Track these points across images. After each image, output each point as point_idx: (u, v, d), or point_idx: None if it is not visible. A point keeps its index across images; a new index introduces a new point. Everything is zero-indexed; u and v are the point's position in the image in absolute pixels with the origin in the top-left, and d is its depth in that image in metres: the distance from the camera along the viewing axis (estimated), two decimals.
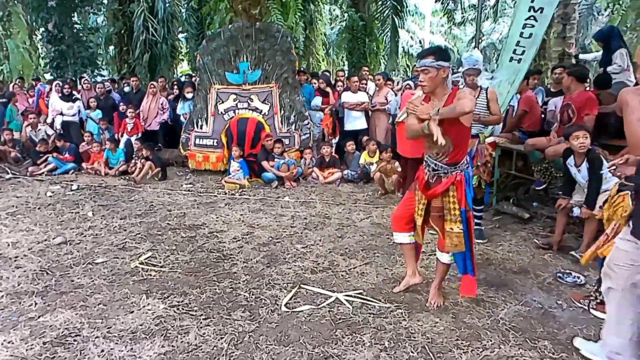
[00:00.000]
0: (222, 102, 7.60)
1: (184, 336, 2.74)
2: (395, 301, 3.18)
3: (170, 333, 2.77)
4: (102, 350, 2.60)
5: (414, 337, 2.74)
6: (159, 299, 3.20)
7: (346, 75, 8.98)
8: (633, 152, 2.50)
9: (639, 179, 2.31)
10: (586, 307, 3.07)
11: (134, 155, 7.72)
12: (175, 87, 9.06)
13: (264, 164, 6.82)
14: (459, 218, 2.90)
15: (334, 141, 7.70)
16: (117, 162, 7.52)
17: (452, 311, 3.05)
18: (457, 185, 2.88)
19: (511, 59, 4.61)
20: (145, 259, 3.91)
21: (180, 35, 15.25)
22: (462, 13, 17.74)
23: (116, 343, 2.67)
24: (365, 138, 7.25)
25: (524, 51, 4.54)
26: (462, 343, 2.68)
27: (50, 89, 9.12)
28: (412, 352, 2.59)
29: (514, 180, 5.55)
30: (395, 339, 2.71)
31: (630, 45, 7.58)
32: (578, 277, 3.53)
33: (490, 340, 2.71)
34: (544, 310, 3.07)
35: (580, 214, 3.88)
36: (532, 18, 4.43)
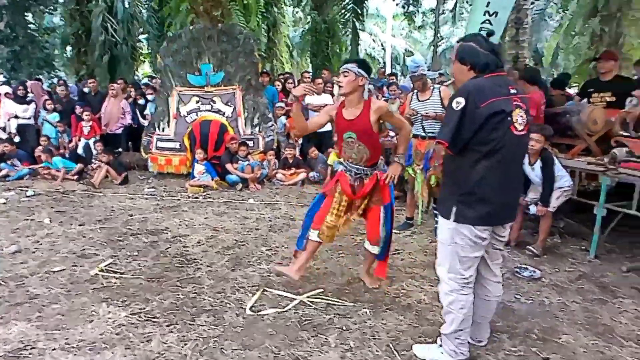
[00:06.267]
0: (184, 105, 7.48)
1: (146, 344, 2.67)
2: (360, 301, 3.22)
3: (131, 341, 2.70)
4: None
5: (379, 336, 2.77)
6: (120, 306, 3.11)
7: (311, 77, 8.99)
8: None
9: None
10: None
11: (93, 159, 7.49)
12: (133, 90, 8.85)
13: (228, 166, 6.76)
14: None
15: (300, 141, 7.70)
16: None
17: (415, 309, 3.11)
18: (381, 183, 3.19)
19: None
20: (105, 266, 3.80)
21: (141, 37, 14.89)
22: (422, 17, 18.12)
23: (74, 354, 2.58)
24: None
25: None
26: (425, 339, 2.73)
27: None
28: (377, 351, 2.62)
29: None
30: (361, 339, 2.74)
31: (578, 48, 7.98)
32: (534, 272, 3.68)
33: None
34: (502, 305, 3.16)
35: (536, 211, 4.04)
36: (487, 22, 4.58)
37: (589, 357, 2.59)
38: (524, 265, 3.80)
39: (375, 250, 3.33)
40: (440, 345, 2.52)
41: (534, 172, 3.99)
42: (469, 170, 2.25)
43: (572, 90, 7.97)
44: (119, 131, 8.26)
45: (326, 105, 7.50)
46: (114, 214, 5.37)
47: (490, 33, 2.43)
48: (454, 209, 2.31)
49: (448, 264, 2.39)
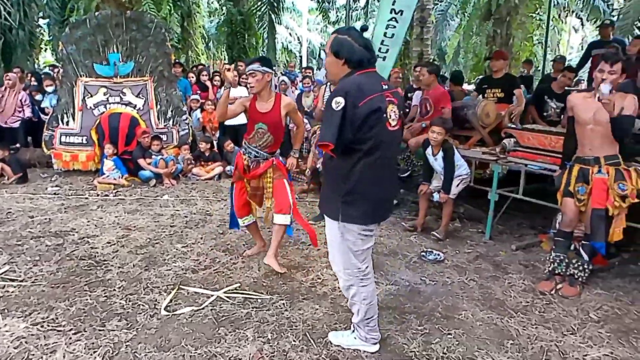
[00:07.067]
0: (91, 96, 7.01)
1: (49, 356, 2.52)
2: (277, 292, 3.27)
3: (33, 354, 2.53)
4: None
5: (296, 326, 2.84)
6: (18, 317, 2.89)
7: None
8: None
9: None
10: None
11: None
12: (33, 79, 8.12)
13: (141, 161, 6.47)
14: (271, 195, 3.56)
15: (217, 134, 7.58)
16: None
17: (330, 297, 3.23)
18: (277, 165, 3.56)
19: (377, 57, 4.96)
20: (1, 273, 3.50)
21: (41, 21, 13.61)
22: (336, 12, 18.53)
23: None
24: None
25: (388, 50, 4.92)
26: (340, 326, 2.84)
27: None
28: (293, 340, 2.69)
29: None
30: (278, 330, 2.79)
31: (476, 47, 8.67)
32: (438, 255, 3.97)
33: None
34: (410, 287, 3.39)
35: (439, 199, 4.35)
36: (393, 19, 4.81)
37: (484, 329, 2.86)
38: (429, 250, 4.08)
39: (286, 219, 3.51)
40: (353, 332, 2.63)
41: (437, 162, 4.29)
42: (350, 169, 2.26)
43: (471, 87, 8.67)
44: (16, 125, 7.54)
45: (242, 97, 7.48)
46: (11, 216, 4.93)
47: (364, 28, 2.40)
48: (339, 209, 2.32)
49: (342, 260, 2.44)
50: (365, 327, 2.56)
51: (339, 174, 2.32)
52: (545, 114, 5.46)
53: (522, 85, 5.35)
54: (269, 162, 3.52)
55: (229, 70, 3.45)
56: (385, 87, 2.28)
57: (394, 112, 2.28)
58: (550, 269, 3.45)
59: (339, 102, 2.13)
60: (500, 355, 2.60)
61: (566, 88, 5.46)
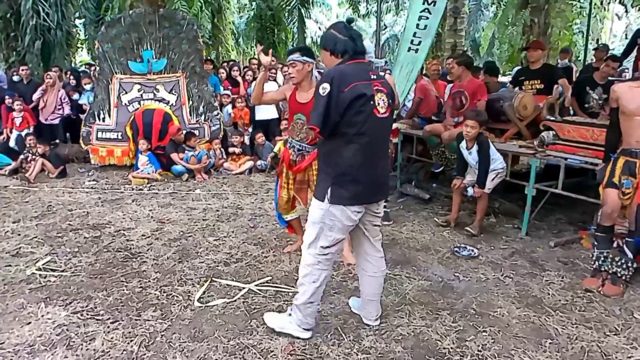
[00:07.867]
0: (126, 93, 7.18)
1: (89, 343, 2.60)
2: None
3: (73, 341, 2.62)
4: None
5: (327, 320, 2.83)
6: (60, 306, 3.00)
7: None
8: None
9: None
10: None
11: (25, 152, 7.05)
12: (71, 77, 8.40)
13: (173, 156, 6.59)
14: None
15: (250, 129, 7.64)
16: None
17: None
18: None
19: (409, 49, 4.87)
20: (43, 264, 3.63)
21: (77, 21, 14.07)
22: (366, 5, 18.37)
23: (10, 359, 2.47)
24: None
25: (420, 42, 4.82)
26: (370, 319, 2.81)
27: None
28: (325, 334, 2.68)
29: (415, 163, 5.92)
30: None
31: (512, 37, 8.42)
32: (472, 250, 3.88)
33: (400, 316, 2.87)
34: (443, 283, 3.33)
35: (473, 193, 4.25)
36: (426, 10, 4.71)
37: (520, 327, 2.78)
38: (462, 245, 4.00)
39: None
40: (290, 315, 2.64)
41: (471, 156, 4.19)
42: (340, 153, 2.38)
43: (505, 79, 8.41)
44: (56, 121, 7.83)
45: (270, 92, 7.50)
46: (51, 209, 5.12)
47: (350, 20, 2.61)
48: (329, 191, 2.40)
49: (311, 239, 2.50)
50: (305, 310, 2.58)
51: (330, 157, 2.44)
52: (586, 105, 5.24)
53: None
54: (314, 154, 3.44)
55: (266, 53, 3.44)
56: (373, 77, 2.41)
57: (383, 100, 2.39)
58: (595, 265, 3.32)
59: (325, 88, 2.27)
60: (538, 354, 2.52)
61: (609, 78, 5.21)
